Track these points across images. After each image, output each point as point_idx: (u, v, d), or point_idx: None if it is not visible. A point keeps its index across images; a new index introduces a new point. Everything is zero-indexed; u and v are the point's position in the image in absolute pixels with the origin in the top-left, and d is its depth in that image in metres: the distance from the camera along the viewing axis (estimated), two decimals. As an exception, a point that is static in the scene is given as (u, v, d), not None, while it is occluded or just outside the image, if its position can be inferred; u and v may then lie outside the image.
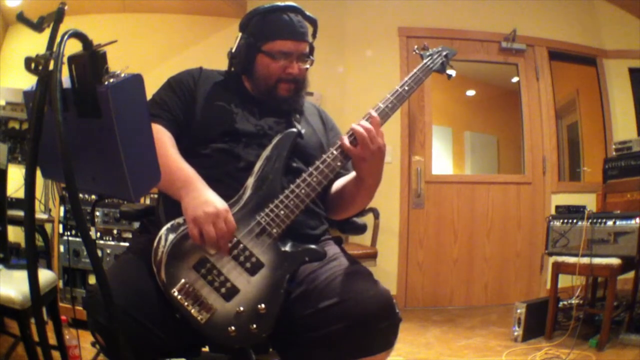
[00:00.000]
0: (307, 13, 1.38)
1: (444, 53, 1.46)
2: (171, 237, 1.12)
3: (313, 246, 1.19)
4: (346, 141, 1.21)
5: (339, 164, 1.22)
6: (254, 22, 1.35)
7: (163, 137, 1.25)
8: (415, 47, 1.49)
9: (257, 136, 1.31)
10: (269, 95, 1.35)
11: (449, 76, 1.47)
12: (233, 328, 1.06)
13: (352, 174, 1.33)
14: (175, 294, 1.07)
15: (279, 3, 1.35)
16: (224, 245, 1.12)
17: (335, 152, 1.23)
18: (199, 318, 1.06)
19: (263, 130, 1.32)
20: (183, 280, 1.08)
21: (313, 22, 1.39)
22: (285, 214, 1.17)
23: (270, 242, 1.15)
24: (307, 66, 1.37)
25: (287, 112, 1.38)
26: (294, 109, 1.39)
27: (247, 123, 1.32)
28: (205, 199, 1.12)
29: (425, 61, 1.43)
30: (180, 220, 1.15)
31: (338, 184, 1.39)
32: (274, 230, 1.16)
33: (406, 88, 1.34)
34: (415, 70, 1.39)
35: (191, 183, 1.16)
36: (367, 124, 1.21)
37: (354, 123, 1.22)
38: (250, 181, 1.22)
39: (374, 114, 1.24)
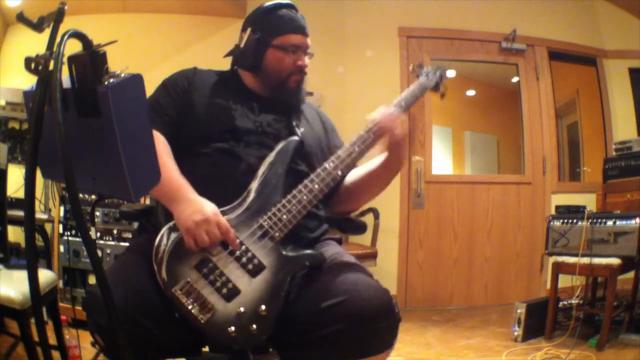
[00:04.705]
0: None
1: (438, 73, 1.54)
2: (173, 235, 1.12)
3: (314, 251, 1.21)
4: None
5: (339, 172, 1.26)
6: (262, 18, 1.38)
7: (157, 145, 1.25)
8: (411, 66, 1.58)
9: (256, 133, 1.32)
10: (280, 89, 1.38)
11: (442, 95, 1.56)
12: (233, 328, 1.06)
13: (369, 164, 1.41)
14: (177, 293, 1.07)
15: (280, 1, 1.38)
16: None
17: (335, 160, 1.27)
18: (199, 318, 1.06)
19: (262, 127, 1.34)
20: (186, 279, 1.08)
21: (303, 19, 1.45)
22: (288, 219, 1.19)
23: (272, 246, 1.16)
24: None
25: (286, 108, 1.40)
26: (296, 103, 1.43)
27: (246, 119, 1.33)
28: (194, 209, 1.12)
29: (421, 79, 1.50)
30: None
31: (358, 173, 1.44)
32: (277, 234, 1.17)
33: (403, 103, 1.40)
34: (411, 87, 1.46)
35: (180, 195, 1.16)
36: (390, 112, 1.31)
37: (378, 114, 1.32)
38: (254, 185, 1.23)
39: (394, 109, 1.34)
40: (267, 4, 1.38)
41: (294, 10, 1.39)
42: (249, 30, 1.38)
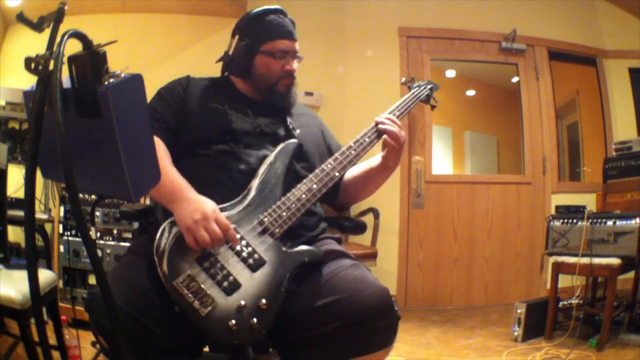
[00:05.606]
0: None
1: (429, 86, 1.59)
2: (174, 230, 1.14)
3: (313, 248, 1.23)
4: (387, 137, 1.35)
5: (336, 174, 1.29)
6: (250, 25, 1.39)
7: (157, 150, 1.26)
8: (403, 78, 1.67)
9: (255, 135, 1.34)
10: (270, 93, 1.40)
11: (432, 107, 1.63)
12: (234, 322, 1.06)
13: (366, 163, 1.45)
14: (178, 285, 1.07)
15: (268, 6, 1.41)
16: (222, 242, 1.14)
17: (333, 162, 1.30)
18: (200, 311, 1.05)
19: (260, 128, 1.36)
20: (187, 273, 1.08)
21: (294, 23, 1.45)
22: (288, 216, 1.21)
23: (272, 242, 1.18)
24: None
25: (280, 112, 1.42)
26: (287, 107, 1.44)
27: (243, 122, 1.36)
28: (193, 207, 1.13)
29: (413, 91, 1.55)
30: None
31: (355, 172, 1.47)
32: (277, 230, 1.19)
33: (397, 112, 1.43)
34: (405, 97, 1.51)
35: (179, 194, 1.17)
36: (395, 119, 1.36)
37: (381, 119, 1.36)
38: (255, 183, 1.25)
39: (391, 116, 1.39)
40: (256, 10, 1.40)
41: (282, 15, 1.40)
42: (237, 37, 1.40)
